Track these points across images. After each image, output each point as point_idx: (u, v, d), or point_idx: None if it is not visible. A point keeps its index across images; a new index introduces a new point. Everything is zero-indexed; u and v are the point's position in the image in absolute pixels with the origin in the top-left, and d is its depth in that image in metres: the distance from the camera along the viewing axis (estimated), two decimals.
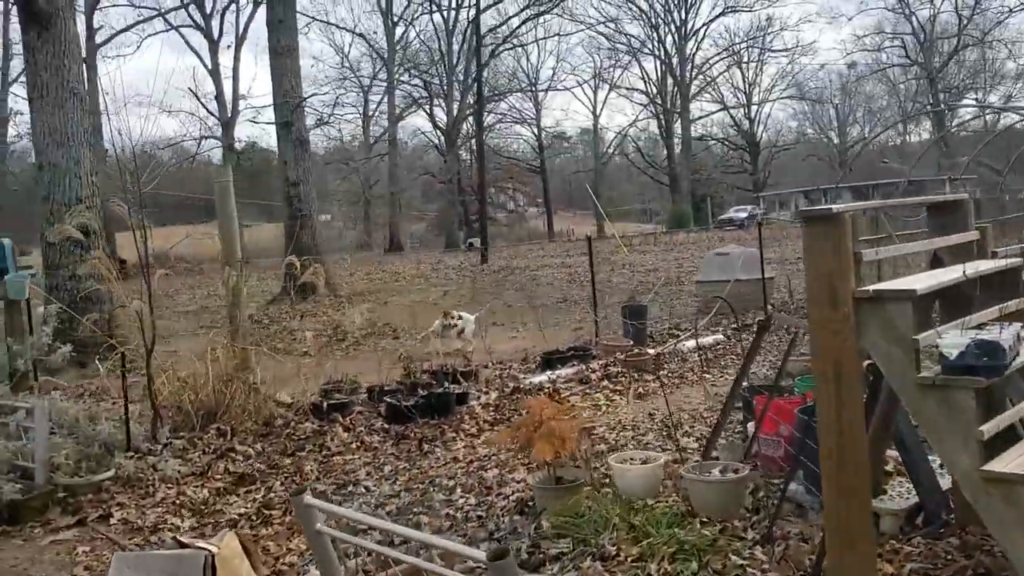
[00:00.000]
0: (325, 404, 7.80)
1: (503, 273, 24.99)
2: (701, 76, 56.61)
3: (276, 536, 5.36)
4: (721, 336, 10.79)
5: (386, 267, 30.36)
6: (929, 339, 3.65)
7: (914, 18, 49.08)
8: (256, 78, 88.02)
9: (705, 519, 4.82)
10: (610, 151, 61.14)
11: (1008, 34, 45.98)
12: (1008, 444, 3.83)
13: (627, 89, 58.03)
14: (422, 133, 56.53)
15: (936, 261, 4.79)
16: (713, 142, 59.84)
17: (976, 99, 45.65)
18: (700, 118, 58.35)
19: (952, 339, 3.59)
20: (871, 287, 3.76)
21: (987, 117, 45.09)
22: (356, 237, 54.12)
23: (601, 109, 60.39)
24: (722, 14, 54.19)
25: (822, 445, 3.86)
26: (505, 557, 3.12)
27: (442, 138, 51.91)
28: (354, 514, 3.80)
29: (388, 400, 7.70)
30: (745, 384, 6.12)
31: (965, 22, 47.36)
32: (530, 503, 5.40)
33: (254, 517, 5.75)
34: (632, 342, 10.50)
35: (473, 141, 41.67)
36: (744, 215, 44.30)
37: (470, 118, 45.58)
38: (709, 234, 37.78)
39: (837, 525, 3.81)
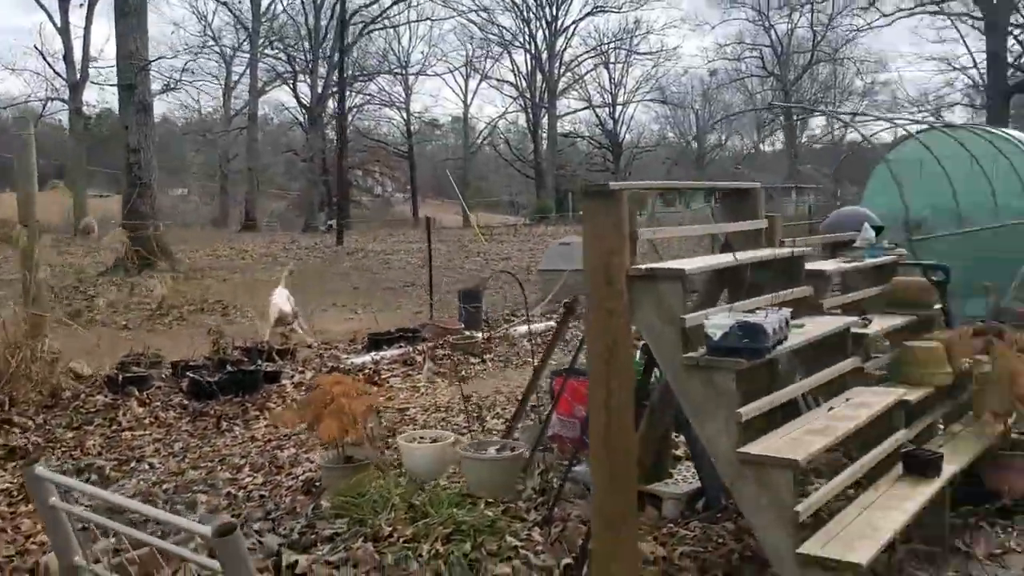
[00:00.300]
0: (121, 377, 7.31)
1: (357, 255, 24.50)
2: (569, 73, 57.24)
3: (34, 513, 4.92)
4: (554, 323, 10.79)
5: (236, 244, 29.24)
6: (697, 320, 3.65)
7: (773, 31, 51.07)
8: (109, 40, 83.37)
9: (490, 500, 4.73)
10: (479, 141, 61.08)
11: (857, 53, 48.39)
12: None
13: (498, 80, 58.07)
14: (286, 109, 54.88)
15: (726, 247, 4.85)
16: (579, 139, 60.65)
17: (828, 116, 47.90)
18: (567, 114, 58.97)
19: (718, 320, 3.58)
20: (644, 265, 3.73)
21: (835, 131, 47.51)
22: (212, 212, 52.05)
23: (471, 98, 60.05)
24: (591, 13, 54.77)
25: (592, 427, 3.81)
26: (232, 533, 2.91)
27: (306, 115, 50.56)
28: (86, 487, 3.48)
29: (191, 375, 7.28)
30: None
31: (819, 38, 49.65)
32: (318, 483, 5.18)
33: (16, 493, 5.29)
34: (464, 325, 10.38)
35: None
36: None
37: (336, 96, 44.51)
38: (567, 227, 38.23)
39: (604, 508, 3.77)
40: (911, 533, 4.33)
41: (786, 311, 3.92)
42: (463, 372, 8.54)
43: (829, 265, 5.01)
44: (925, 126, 11.77)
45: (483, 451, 4.77)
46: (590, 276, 3.77)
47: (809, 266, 4.74)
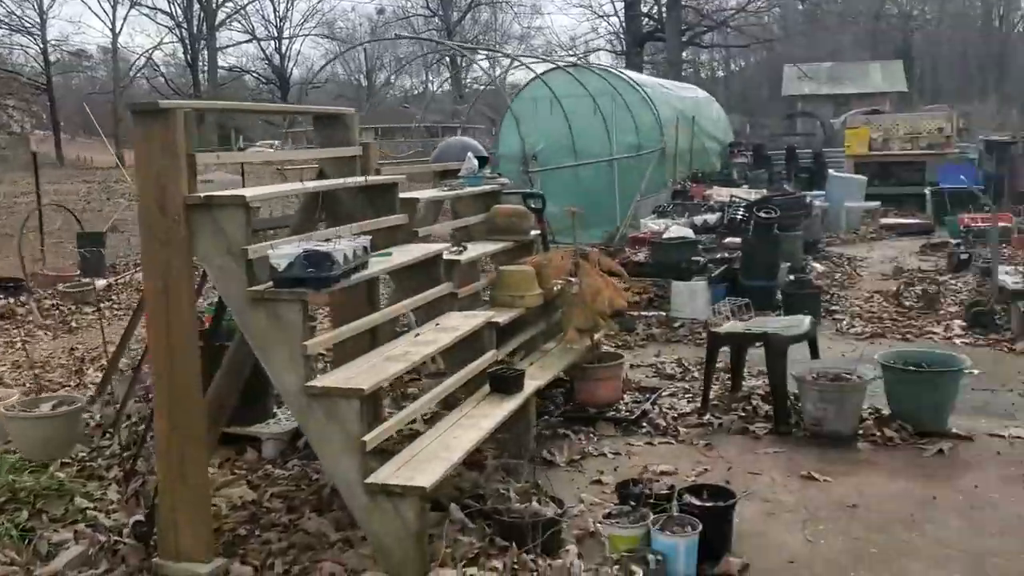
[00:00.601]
0: None
1: None
2: (230, 3, 54.04)
3: None
4: None
5: None
6: (263, 251, 3.43)
7: None
8: None
9: (68, 460, 4.28)
10: (133, 74, 56.01)
11: None
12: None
13: (150, 8, 53.39)
14: None
15: (320, 175, 4.68)
16: (243, 74, 57.76)
17: (487, 55, 49.38)
18: (229, 47, 55.88)
19: (284, 250, 3.38)
20: (203, 193, 3.44)
21: (497, 73, 49.27)
22: None
23: (121, 27, 54.92)
24: None
25: (154, 371, 3.49)
26: None
27: None
28: None
29: None
30: None
31: None
32: None
33: None
34: (81, 272, 9.40)
35: None
36: (272, 150, 43.44)
37: None
38: (233, 165, 36.43)
39: (170, 458, 3.48)
40: (504, 448, 4.53)
41: (365, 239, 3.82)
42: (72, 323, 7.74)
43: (424, 194, 5.02)
44: (552, 66, 12.43)
45: (35, 408, 4.26)
46: (143, 204, 3.41)
47: (404, 195, 4.70)
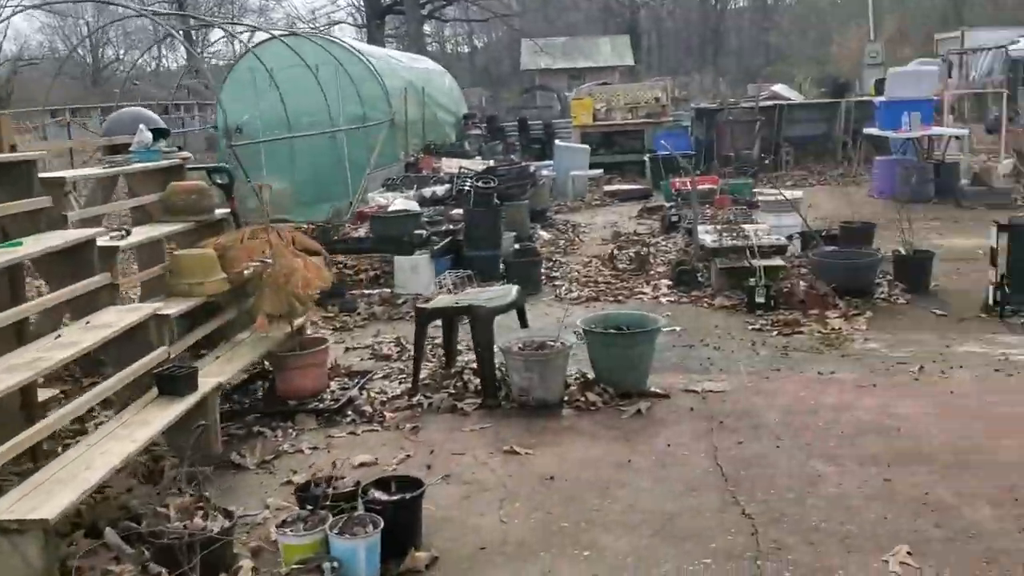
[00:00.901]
0: None
1: None
2: None
3: None
4: None
5: None
6: None
7: None
8: None
9: None
10: None
11: None
12: None
13: None
14: None
15: None
16: None
17: (225, 28, 46.75)
18: None
19: None
20: None
21: (235, 47, 46.85)
22: None
23: None
24: None
25: None
26: None
27: None
28: None
29: None
30: None
31: None
32: None
33: None
34: None
35: None
36: None
37: None
38: None
39: None
40: (185, 455, 4.03)
41: None
42: None
43: (72, 173, 4.39)
44: (268, 36, 11.69)
45: None
46: None
47: (46, 174, 4.07)
